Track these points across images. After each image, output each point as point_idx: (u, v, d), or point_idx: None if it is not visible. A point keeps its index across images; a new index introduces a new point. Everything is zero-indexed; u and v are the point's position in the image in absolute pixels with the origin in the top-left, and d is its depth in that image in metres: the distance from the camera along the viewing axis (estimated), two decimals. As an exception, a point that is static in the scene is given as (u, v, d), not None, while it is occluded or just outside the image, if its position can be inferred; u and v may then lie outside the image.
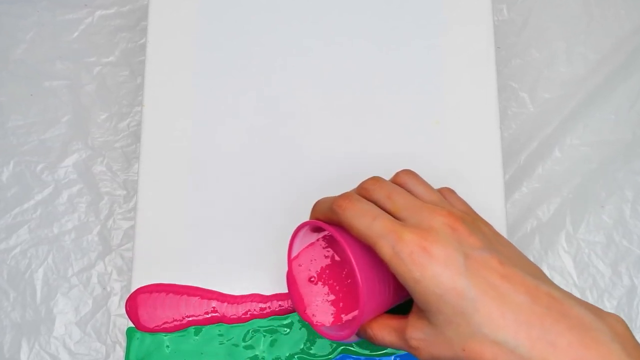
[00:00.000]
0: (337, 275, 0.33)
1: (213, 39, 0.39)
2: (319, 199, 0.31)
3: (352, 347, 0.35)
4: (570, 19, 0.47)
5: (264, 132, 0.38)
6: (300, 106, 0.38)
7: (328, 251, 0.33)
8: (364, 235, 0.27)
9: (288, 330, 0.35)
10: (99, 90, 0.46)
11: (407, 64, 0.39)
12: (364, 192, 0.30)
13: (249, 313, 0.35)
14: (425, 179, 0.35)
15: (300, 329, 0.35)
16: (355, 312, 0.31)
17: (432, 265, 0.26)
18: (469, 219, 0.28)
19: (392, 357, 0.35)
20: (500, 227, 0.36)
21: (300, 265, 0.32)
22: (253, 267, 0.36)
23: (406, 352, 0.33)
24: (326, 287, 0.32)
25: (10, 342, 0.41)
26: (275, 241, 0.36)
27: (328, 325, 0.31)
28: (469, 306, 0.25)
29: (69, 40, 0.46)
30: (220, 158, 0.37)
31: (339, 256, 0.33)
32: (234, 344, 0.35)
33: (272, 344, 0.35)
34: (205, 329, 0.35)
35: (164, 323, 0.35)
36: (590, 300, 0.43)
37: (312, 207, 0.31)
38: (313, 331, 0.35)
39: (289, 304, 0.35)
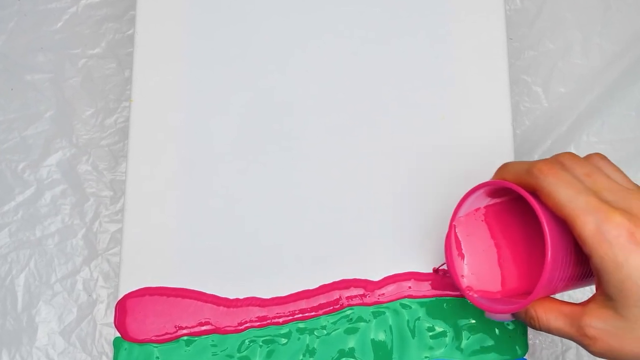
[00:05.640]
0: (503, 246, 0.33)
1: (205, 30, 0.39)
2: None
3: (354, 356, 0.34)
4: (587, 8, 0.47)
5: (260, 128, 0.38)
6: (298, 100, 0.38)
7: (491, 218, 0.33)
8: (563, 207, 0.27)
9: (286, 340, 0.34)
10: (84, 84, 0.45)
11: (412, 56, 0.38)
12: (560, 165, 0.29)
13: (247, 323, 0.35)
14: (432, 178, 0.36)
15: (298, 339, 0.34)
16: (497, 287, 0.32)
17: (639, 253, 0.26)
18: None
19: None
20: (513, 230, 0.36)
21: (462, 230, 0.33)
22: (249, 270, 0.36)
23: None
24: (487, 257, 0.33)
25: (-11, 353, 0.41)
26: (271, 241, 0.36)
27: (480, 296, 0.32)
28: None
29: (52, 31, 0.46)
30: (212, 156, 0.37)
31: (513, 226, 0.33)
32: (228, 355, 0.34)
33: (268, 355, 0.34)
34: (197, 339, 0.34)
35: (153, 335, 0.34)
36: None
37: (498, 168, 0.31)
38: (312, 341, 0.34)
39: (289, 312, 0.35)
